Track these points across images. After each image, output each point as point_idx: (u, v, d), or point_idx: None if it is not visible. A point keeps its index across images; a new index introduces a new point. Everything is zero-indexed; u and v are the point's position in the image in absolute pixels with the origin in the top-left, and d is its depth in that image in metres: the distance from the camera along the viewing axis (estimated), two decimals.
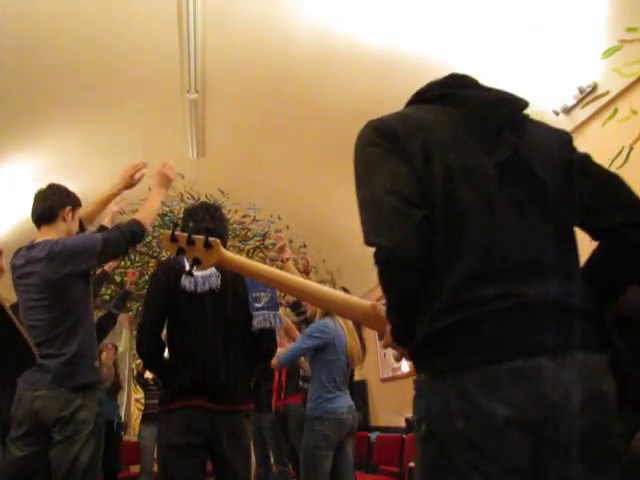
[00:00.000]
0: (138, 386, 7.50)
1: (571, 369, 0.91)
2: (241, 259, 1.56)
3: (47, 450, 2.16)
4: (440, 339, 0.96)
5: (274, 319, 2.24)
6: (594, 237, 1.08)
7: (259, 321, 2.22)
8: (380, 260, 0.99)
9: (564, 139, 1.14)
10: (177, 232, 1.48)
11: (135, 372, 6.42)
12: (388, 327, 1.13)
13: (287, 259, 3.22)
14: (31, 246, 2.32)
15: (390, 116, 1.12)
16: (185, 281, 2.14)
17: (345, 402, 3.06)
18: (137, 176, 2.63)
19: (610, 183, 1.08)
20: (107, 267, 4.03)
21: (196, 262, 1.48)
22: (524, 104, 1.14)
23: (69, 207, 2.41)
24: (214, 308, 2.17)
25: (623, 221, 1.03)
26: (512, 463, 0.90)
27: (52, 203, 2.37)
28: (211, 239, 1.48)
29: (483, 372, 0.91)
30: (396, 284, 1.01)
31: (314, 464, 2.96)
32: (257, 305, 2.23)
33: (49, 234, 2.32)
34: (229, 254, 1.54)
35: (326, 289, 1.47)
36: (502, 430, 0.89)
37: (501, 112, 1.10)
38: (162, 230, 1.56)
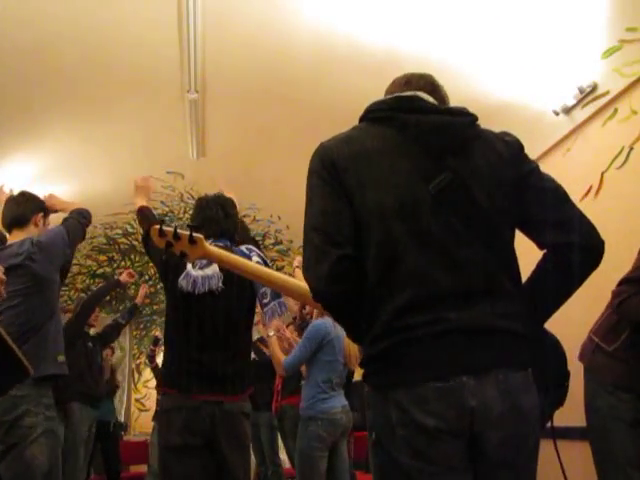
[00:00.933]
0: (140, 382, 7.51)
1: (492, 385, 1.01)
2: (222, 252, 1.70)
3: None
4: (378, 360, 1.06)
5: (280, 307, 2.25)
6: (540, 247, 1.16)
7: (269, 316, 2.23)
8: (311, 295, 1.11)
9: (514, 152, 1.16)
10: (164, 227, 1.55)
11: (145, 356, 6.48)
12: None
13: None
14: (5, 247, 2.37)
15: (335, 141, 1.17)
16: (182, 281, 2.12)
17: (339, 402, 3.06)
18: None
19: (555, 200, 1.13)
20: (122, 280, 4.10)
21: (183, 255, 1.57)
22: (470, 122, 1.16)
23: (41, 213, 2.51)
24: (213, 310, 2.15)
25: (565, 240, 1.10)
26: (447, 462, 1.01)
27: (25, 209, 2.48)
28: (195, 235, 1.55)
29: (414, 390, 1.01)
30: (330, 312, 1.16)
31: (309, 464, 2.96)
32: (265, 300, 2.22)
33: (20, 237, 2.39)
34: (212, 248, 1.64)
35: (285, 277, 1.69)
36: (434, 436, 1.00)
37: (443, 137, 1.12)
38: (154, 226, 1.60)
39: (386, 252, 1.06)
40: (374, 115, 1.20)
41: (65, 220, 2.52)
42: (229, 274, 2.18)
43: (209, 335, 2.12)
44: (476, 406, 1.00)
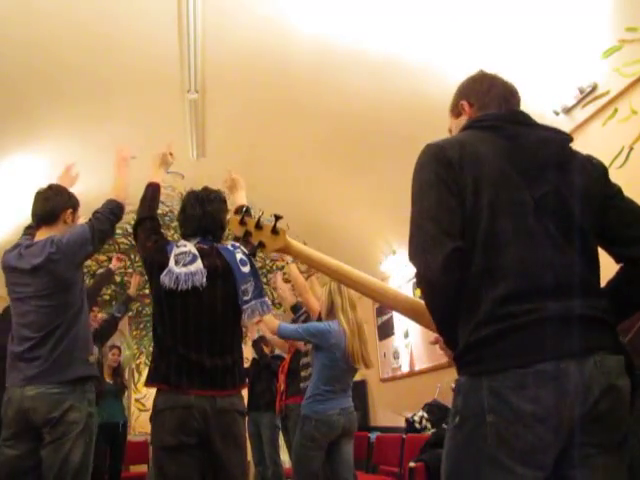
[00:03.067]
0: (140, 382, 7.50)
1: (591, 368, 1.06)
2: (306, 249, 1.57)
3: (39, 447, 2.16)
4: (477, 348, 1.11)
5: (262, 307, 2.24)
6: (617, 261, 1.28)
7: (248, 314, 2.21)
8: (418, 284, 1.18)
9: (601, 173, 1.29)
10: (246, 217, 1.55)
11: (136, 371, 6.39)
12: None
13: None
14: (29, 245, 2.33)
15: (448, 142, 1.26)
16: (165, 277, 2.11)
17: (338, 404, 3.03)
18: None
19: (638, 218, 1.27)
20: (113, 266, 4.03)
21: (260, 245, 1.55)
22: (568, 140, 1.30)
23: (70, 209, 2.44)
24: (197, 306, 2.13)
25: None
26: (534, 457, 1.05)
27: (54, 205, 2.40)
28: (279, 226, 1.53)
29: (513, 374, 1.05)
30: (429, 302, 1.19)
31: (301, 463, 2.96)
32: (245, 298, 2.21)
33: (47, 235, 2.34)
34: (295, 243, 1.57)
35: (388, 287, 1.54)
36: (528, 423, 1.03)
37: (547, 151, 1.24)
38: (232, 215, 1.64)
39: (492, 246, 1.14)
40: (482, 124, 1.30)
41: (93, 215, 2.43)
42: (213, 270, 2.17)
43: (195, 331, 2.11)
44: (575, 389, 1.04)
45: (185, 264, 2.13)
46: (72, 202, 2.47)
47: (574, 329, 1.08)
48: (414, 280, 4.96)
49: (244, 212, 1.60)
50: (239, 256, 2.25)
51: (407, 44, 3.62)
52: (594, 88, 3.07)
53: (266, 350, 5.05)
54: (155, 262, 2.18)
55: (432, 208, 1.17)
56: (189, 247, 2.20)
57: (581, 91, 3.12)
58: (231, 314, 2.22)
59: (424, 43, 3.58)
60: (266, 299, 2.28)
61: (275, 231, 1.53)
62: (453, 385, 1.18)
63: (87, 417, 2.23)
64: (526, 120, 1.30)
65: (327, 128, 4.68)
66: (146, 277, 2.55)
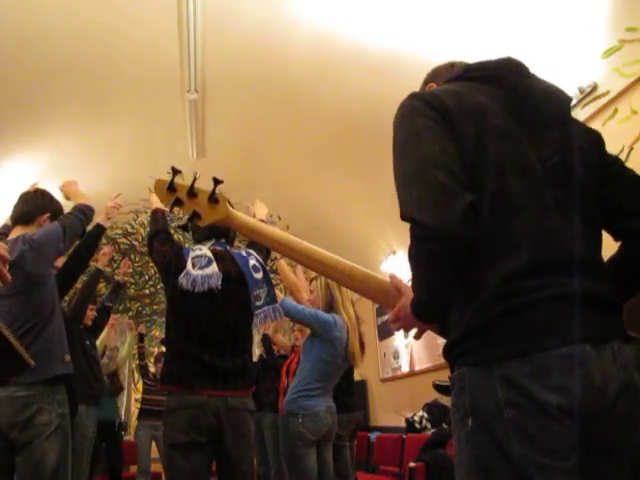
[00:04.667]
0: (140, 382, 7.49)
1: (609, 357, 0.91)
2: (251, 221, 1.35)
3: (9, 453, 2.11)
4: (484, 330, 0.94)
5: (274, 313, 2.27)
6: (616, 238, 1.12)
7: (261, 319, 2.25)
8: (418, 237, 0.95)
9: (599, 141, 1.14)
10: (178, 181, 1.28)
11: (137, 365, 6.35)
12: (402, 302, 1.13)
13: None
14: (4, 242, 2.35)
15: (441, 91, 1.08)
16: (182, 279, 2.14)
17: (324, 402, 2.86)
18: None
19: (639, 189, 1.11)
20: (100, 265, 4.00)
21: (195, 216, 1.28)
22: (570, 100, 1.14)
23: (48, 214, 2.45)
24: (212, 308, 2.16)
25: None
26: (564, 454, 0.88)
27: (32, 207, 2.43)
28: (218, 192, 1.27)
29: (532, 359, 0.89)
30: (433, 264, 0.97)
31: (294, 464, 2.77)
32: (258, 303, 2.25)
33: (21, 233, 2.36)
34: (238, 214, 1.32)
35: (342, 260, 1.31)
36: (555, 417, 0.87)
37: (551, 107, 1.08)
38: (158, 180, 1.31)
39: (501, 208, 0.97)
40: (478, 74, 1.13)
41: (64, 216, 2.47)
42: (227, 275, 2.20)
43: (209, 333, 2.14)
44: (598, 381, 0.89)
45: (201, 267, 2.17)
46: (52, 207, 2.48)
47: (592, 310, 0.93)
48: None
49: (173, 175, 1.29)
50: (252, 262, 2.30)
51: (407, 44, 3.62)
52: (594, 88, 3.07)
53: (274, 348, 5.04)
54: (172, 264, 2.21)
55: (436, 153, 0.97)
56: (204, 251, 2.25)
57: (581, 91, 3.12)
58: (243, 318, 2.25)
59: (424, 43, 3.58)
60: (278, 305, 2.32)
61: (214, 199, 1.26)
62: (435, 382, 1.00)
63: (59, 418, 2.17)
64: (526, 71, 1.15)
65: (327, 128, 4.68)
66: (152, 287, 2.58)
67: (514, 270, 0.94)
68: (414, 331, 1.22)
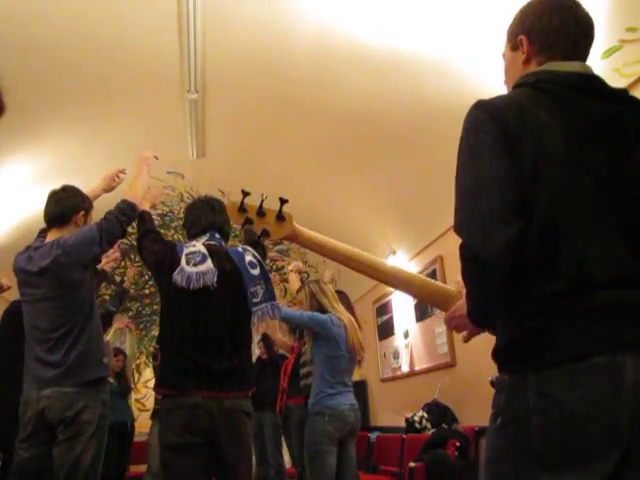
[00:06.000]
0: (141, 382, 7.48)
1: None
2: (318, 236, 1.41)
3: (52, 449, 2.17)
4: (524, 341, 0.99)
5: (272, 310, 2.25)
6: None
7: (258, 316, 2.22)
8: (464, 256, 1.02)
9: None
10: (247, 202, 1.40)
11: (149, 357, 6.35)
12: (460, 304, 1.20)
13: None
14: (39, 247, 2.34)
15: (504, 103, 1.08)
16: (177, 276, 2.11)
17: (347, 399, 3.05)
18: (117, 180, 2.79)
19: None
20: (106, 267, 3.99)
21: (264, 234, 1.40)
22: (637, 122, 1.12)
23: (83, 212, 2.44)
24: (208, 306, 2.14)
25: None
26: (589, 462, 0.91)
27: (66, 207, 2.40)
28: (285, 211, 1.38)
29: (562, 370, 0.93)
30: (476, 283, 1.03)
31: (317, 460, 2.93)
32: (255, 300, 2.22)
33: (58, 236, 2.34)
34: (302, 229, 1.41)
35: (404, 271, 1.40)
36: (580, 425, 0.91)
37: (613, 131, 1.08)
38: (229, 202, 1.48)
39: (551, 234, 0.99)
40: (548, 87, 1.12)
41: (104, 217, 2.41)
42: (223, 272, 2.18)
43: (204, 332, 2.12)
44: (632, 392, 0.90)
45: (195, 264, 2.14)
46: (85, 204, 2.46)
47: (630, 318, 0.95)
48: None
49: (243, 196, 1.43)
50: (248, 258, 2.26)
51: (408, 44, 3.62)
52: None
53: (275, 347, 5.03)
54: (165, 261, 2.19)
55: (493, 177, 0.99)
56: (198, 247, 2.22)
57: None
58: (240, 316, 2.22)
59: (425, 43, 3.58)
60: (277, 302, 2.29)
61: (280, 217, 1.37)
62: (491, 378, 1.10)
63: (100, 418, 2.24)
64: (596, 88, 1.13)
65: (327, 128, 4.68)
66: (152, 287, 2.60)
67: (554, 293, 0.98)
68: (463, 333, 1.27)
